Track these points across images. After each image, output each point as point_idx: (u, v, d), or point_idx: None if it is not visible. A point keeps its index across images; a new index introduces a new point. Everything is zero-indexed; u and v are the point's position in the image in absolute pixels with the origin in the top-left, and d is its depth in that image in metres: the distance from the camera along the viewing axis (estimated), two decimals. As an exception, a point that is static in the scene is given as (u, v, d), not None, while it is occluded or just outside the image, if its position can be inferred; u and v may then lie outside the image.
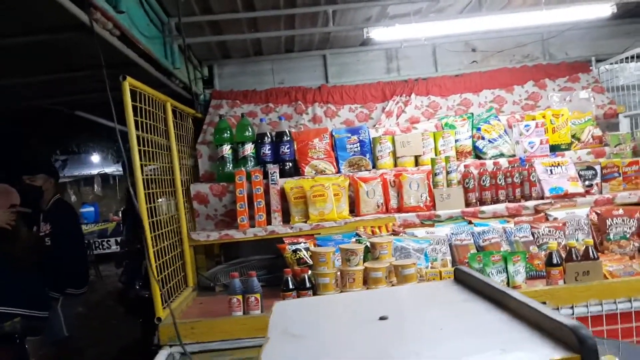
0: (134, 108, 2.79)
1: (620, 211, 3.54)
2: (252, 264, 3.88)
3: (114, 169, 14.59)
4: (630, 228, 3.46)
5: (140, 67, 3.22)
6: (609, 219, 3.51)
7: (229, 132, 4.10)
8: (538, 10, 3.99)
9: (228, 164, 4.06)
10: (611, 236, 3.46)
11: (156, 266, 2.92)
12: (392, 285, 2.97)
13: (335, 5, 3.88)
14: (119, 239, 12.36)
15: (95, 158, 14.38)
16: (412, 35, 4.16)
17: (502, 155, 4.11)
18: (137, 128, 2.80)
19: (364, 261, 3.07)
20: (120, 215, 12.51)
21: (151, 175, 3.17)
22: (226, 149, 4.05)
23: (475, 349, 1.18)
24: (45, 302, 3.62)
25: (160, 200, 3.21)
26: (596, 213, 3.58)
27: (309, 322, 1.54)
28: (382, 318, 1.47)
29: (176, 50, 3.74)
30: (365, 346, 1.29)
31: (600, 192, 3.80)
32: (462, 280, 1.80)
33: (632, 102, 4.70)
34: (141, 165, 2.78)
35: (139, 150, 2.79)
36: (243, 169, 3.95)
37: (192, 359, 2.29)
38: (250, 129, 4.11)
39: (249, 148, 4.06)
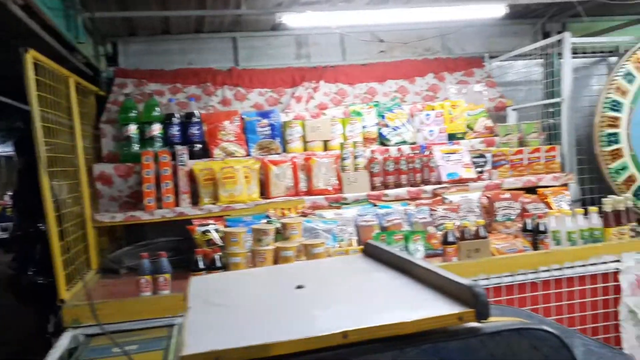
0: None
1: (507, 195, 3.88)
2: (158, 245, 3.80)
3: (2, 149, 13.52)
4: (515, 210, 3.81)
5: (42, 40, 3.05)
6: (497, 202, 3.84)
7: (135, 111, 3.99)
8: (437, 7, 4.24)
9: (134, 144, 3.95)
10: (499, 218, 3.79)
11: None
12: (302, 263, 3.07)
13: (247, -13, 3.88)
14: (4, 224, 11.53)
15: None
16: (322, 23, 4.27)
17: (404, 142, 4.35)
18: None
19: (275, 241, 3.15)
20: (9, 198, 11.65)
21: (52, 154, 3.03)
22: (132, 129, 3.95)
23: (387, 308, 1.30)
24: None
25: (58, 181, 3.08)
26: (486, 197, 3.91)
27: (229, 293, 1.60)
28: (299, 287, 1.56)
29: (80, 24, 3.57)
30: (286, 310, 1.37)
31: (490, 178, 4.14)
32: (371, 253, 1.93)
33: (519, 97, 5.14)
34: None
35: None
36: (150, 149, 3.87)
37: (113, 339, 2.24)
38: (158, 109, 4.02)
39: (156, 128, 3.98)
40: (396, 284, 1.51)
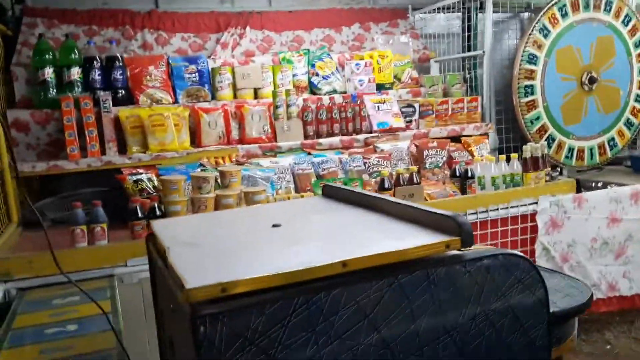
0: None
1: (435, 144, 4.05)
2: (82, 196, 3.59)
3: None
4: (442, 158, 3.99)
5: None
6: (426, 151, 4.00)
7: (50, 53, 3.67)
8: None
9: (51, 89, 3.66)
10: (427, 165, 3.95)
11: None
12: (243, 211, 3.05)
13: None
14: None
15: None
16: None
17: (335, 91, 4.36)
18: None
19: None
20: None
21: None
22: (48, 73, 3.64)
23: (375, 240, 1.33)
24: None
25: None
26: (415, 145, 4.05)
27: (203, 234, 1.56)
28: (275, 225, 1.55)
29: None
30: (273, 246, 1.36)
31: (418, 128, 4.29)
32: (331, 194, 1.96)
33: (440, 49, 5.30)
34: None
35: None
36: (70, 94, 3.60)
37: (79, 287, 2.11)
38: (76, 51, 3.73)
39: (75, 72, 3.70)
40: (372, 220, 1.55)
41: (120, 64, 3.83)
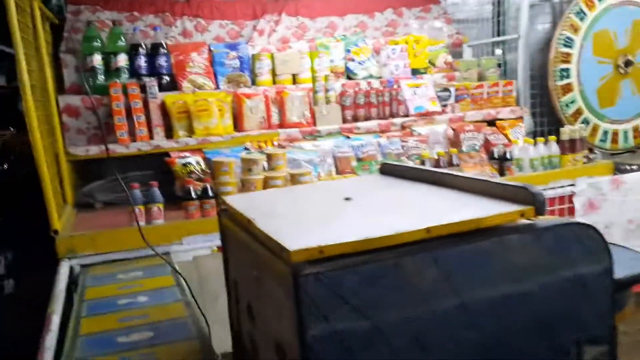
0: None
1: (471, 127, 4.10)
2: (131, 178, 3.73)
3: None
4: (478, 141, 4.04)
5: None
6: (462, 134, 4.06)
7: (99, 40, 3.80)
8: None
9: (99, 76, 3.78)
10: (464, 148, 4.01)
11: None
12: (290, 192, 3.15)
13: None
14: None
15: None
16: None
17: (371, 76, 4.43)
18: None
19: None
20: None
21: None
22: (97, 59, 3.76)
23: (451, 210, 1.41)
24: None
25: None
26: (452, 129, 4.10)
27: (281, 207, 1.66)
28: (347, 199, 1.64)
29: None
30: (355, 216, 1.45)
31: (454, 111, 4.34)
32: (391, 172, 2.03)
33: (471, 34, 5.32)
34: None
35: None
36: (117, 81, 3.72)
37: (166, 260, 2.23)
38: (123, 38, 3.85)
39: (122, 59, 3.82)
40: (444, 193, 1.63)
41: (165, 50, 3.94)
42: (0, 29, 2.61)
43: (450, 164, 3.51)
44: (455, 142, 4.07)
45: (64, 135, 3.66)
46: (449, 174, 1.71)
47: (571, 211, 3.69)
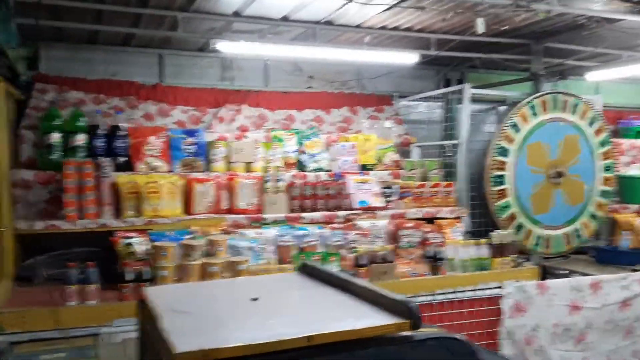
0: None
1: (410, 224, 4.31)
2: (74, 255, 3.78)
3: None
4: (417, 238, 4.24)
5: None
6: (401, 230, 4.26)
7: (59, 120, 3.97)
8: (358, 50, 4.65)
9: (56, 152, 3.93)
10: (402, 244, 4.20)
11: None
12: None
13: (185, 12, 4.04)
14: None
15: None
16: (251, 52, 4.50)
17: (321, 169, 4.67)
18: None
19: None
20: None
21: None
22: (55, 137, 3.92)
23: (337, 318, 1.56)
24: None
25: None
26: (392, 225, 4.31)
27: (191, 302, 1.78)
28: (254, 299, 1.79)
29: (13, 30, 3.53)
30: (251, 318, 1.59)
31: (396, 208, 4.57)
32: (309, 272, 2.19)
33: (420, 135, 5.68)
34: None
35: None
36: (73, 159, 3.86)
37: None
38: (83, 119, 4.03)
39: (81, 138, 3.99)
40: (338, 300, 1.78)
41: (124, 132, 4.13)
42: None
43: (385, 260, 3.69)
44: (394, 237, 4.26)
45: (13, 208, 3.73)
46: (349, 281, 1.87)
47: (498, 313, 3.86)
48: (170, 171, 4.23)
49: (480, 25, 3.73)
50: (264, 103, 5.19)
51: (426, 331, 1.60)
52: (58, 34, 4.53)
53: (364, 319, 1.54)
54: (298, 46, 4.54)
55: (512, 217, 4.75)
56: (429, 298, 3.69)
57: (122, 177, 3.92)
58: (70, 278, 2.93)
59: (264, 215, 4.14)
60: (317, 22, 4.40)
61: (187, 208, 4.05)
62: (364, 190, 4.51)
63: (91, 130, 4.04)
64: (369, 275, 3.61)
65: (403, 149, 5.38)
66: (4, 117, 3.45)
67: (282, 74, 5.41)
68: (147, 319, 1.80)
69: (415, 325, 1.52)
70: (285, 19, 4.29)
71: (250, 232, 3.86)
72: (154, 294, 1.89)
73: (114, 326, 2.92)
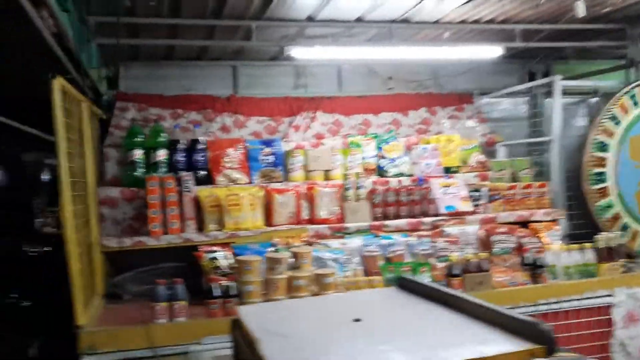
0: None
1: (504, 229, 4.02)
2: (161, 271, 3.80)
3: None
4: (511, 244, 3.95)
5: (61, 63, 3.07)
6: (494, 236, 3.98)
7: (141, 136, 4.01)
8: (436, 47, 4.44)
9: (139, 169, 3.96)
10: (496, 250, 3.92)
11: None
12: (314, 293, 3.12)
13: (258, 21, 3.98)
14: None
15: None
16: (324, 57, 4.39)
17: (402, 174, 4.47)
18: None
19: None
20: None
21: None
22: (138, 154, 3.96)
23: (455, 344, 1.37)
24: None
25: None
26: (484, 230, 4.04)
27: (288, 324, 1.65)
28: (356, 320, 1.63)
29: (94, 50, 3.60)
30: (355, 343, 1.43)
31: (485, 212, 4.29)
32: (407, 287, 2.01)
33: (505, 133, 5.35)
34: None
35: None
36: (155, 174, 3.88)
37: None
38: (163, 134, 4.06)
39: (162, 154, 4.01)
40: (452, 319, 1.59)
41: (203, 146, 4.12)
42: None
43: (480, 269, 3.43)
44: (487, 244, 3.99)
45: (101, 226, 3.79)
46: (461, 297, 1.67)
47: (609, 323, 3.50)
48: (249, 183, 4.18)
49: (580, 8, 3.40)
50: (339, 109, 5.05)
51: (560, 356, 1.37)
52: (135, 53, 4.61)
53: (489, 344, 1.34)
54: (374, 47, 4.38)
55: (616, 218, 4.34)
56: (531, 309, 3.39)
57: (203, 191, 3.89)
58: (159, 295, 2.90)
59: (346, 225, 3.99)
60: (393, 21, 4.23)
61: (268, 219, 3.97)
62: (450, 195, 4.26)
63: (171, 146, 4.06)
64: (463, 285, 3.36)
65: (488, 149, 5.07)
66: (90, 136, 3.50)
67: (356, 78, 5.27)
68: (243, 340, 1.68)
69: (550, 351, 1.31)
70: (359, 20, 4.15)
71: (334, 243, 3.72)
72: (247, 313, 1.77)
73: (203, 344, 2.86)
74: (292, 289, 3.10)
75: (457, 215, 4.16)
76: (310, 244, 3.73)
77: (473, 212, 4.24)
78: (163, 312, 2.86)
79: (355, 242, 3.78)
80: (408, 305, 1.81)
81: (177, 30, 4.06)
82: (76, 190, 3.13)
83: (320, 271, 3.18)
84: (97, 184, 3.94)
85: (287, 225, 3.92)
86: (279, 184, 4.19)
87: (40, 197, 7.79)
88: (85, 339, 2.69)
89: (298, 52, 4.19)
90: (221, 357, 2.85)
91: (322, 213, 4.03)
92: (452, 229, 4.03)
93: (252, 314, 1.76)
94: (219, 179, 4.11)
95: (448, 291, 1.76)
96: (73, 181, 3.03)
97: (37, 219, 6.97)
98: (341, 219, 4.05)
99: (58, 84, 2.60)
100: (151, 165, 3.99)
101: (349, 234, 3.94)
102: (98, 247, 3.45)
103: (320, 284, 3.12)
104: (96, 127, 4.10)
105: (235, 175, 4.16)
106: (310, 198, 4.07)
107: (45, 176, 8.92)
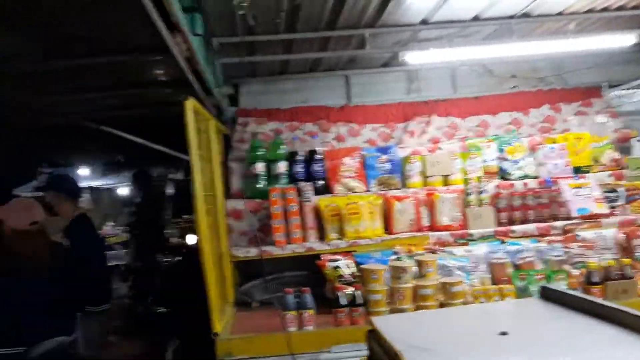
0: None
1: (646, 232, 3.68)
2: (286, 279, 3.91)
3: (102, 182, 14.35)
4: (656, 248, 3.60)
5: (190, 85, 3.27)
6: (636, 240, 3.65)
7: (262, 150, 4.17)
8: (559, 40, 4.16)
9: (261, 181, 4.11)
10: (639, 255, 3.59)
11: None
12: (440, 302, 3.04)
13: (372, 29, 3.99)
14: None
15: (84, 171, 14.08)
16: (438, 59, 4.29)
17: (527, 176, 4.24)
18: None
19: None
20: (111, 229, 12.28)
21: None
22: (260, 167, 4.12)
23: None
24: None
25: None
26: (623, 233, 3.72)
27: (429, 336, 1.61)
28: (502, 333, 1.55)
29: (219, 70, 3.80)
30: (509, 357, 1.36)
31: (624, 214, 3.95)
32: (553, 298, 1.88)
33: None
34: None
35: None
36: (277, 186, 4.00)
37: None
38: (283, 147, 4.18)
39: (282, 166, 4.14)
40: (612, 335, 1.46)
41: (320, 156, 4.19)
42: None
43: (623, 276, 3.15)
44: (627, 248, 3.66)
45: (228, 237, 3.98)
46: (619, 309, 1.54)
47: None
48: (367, 190, 4.19)
49: None
50: (454, 111, 4.91)
51: None
52: (253, 70, 4.80)
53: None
54: (492, 46, 4.20)
55: None
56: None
57: (323, 200, 3.95)
58: (289, 303, 2.97)
59: (470, 231, 3.86)
60: (512, 17, 4.04)
61: (388, 227, 3.95)
62: (583, 196, 3.97)
63: (291, 157, 4.17)
64: (605, 294, 3.11)
65: (622, 145, 4.67)
66: (217, 152, 3.69)
67: (470, 79, 5.10)
68: (382, 351, 1.66)
69: None
70: (476, 18, 4.02)
71: (458, 250, 3.61)
72: (384, 324, 1.75)
73: (332, 352, 2.89)
74: (418, 298, 3.05)
75: (591, 218, 3.87)
76: (433, 251, 3.65)
77: (610, 215, 3.92)
78: (292, 320, 2.93)
79: (481, 249, 3.63)
80: (556, 318, 1.70)
81: (292, 44, 4.17)
82: (207, 204, 3.32)
83: (446, 280, 3.10)
84: (224, 196, 4.15)
85: (407, 233, 3.87)
86: (397, 191, 4.15)
87: (166, 210, 8.40)
88: (223, 345, 2.82)
89: (412, 57, 4.12)
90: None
91: (444, 219, 3.93)
92: (586, 233, 3.75)
93: (390, 325, 1.74)
94: (337, 187, 4.16)
95: (603, 302, 1.62)
96: (205, 195, 3.22)
97: (166, 231, 7.50)
98: (464, 226, 3.93)
99: (190, 104, 2.76)
100: (273, 177, 4.12)
101: (473, 240, 3.80)
102: (228, 257, 3.62)
103: (447, 293, 3.04)
104: (221, 143, 4.33)
105: (353, 183, 4.18)
106: (430, 204, 3.99)
107: (170, 190, 9.60)
